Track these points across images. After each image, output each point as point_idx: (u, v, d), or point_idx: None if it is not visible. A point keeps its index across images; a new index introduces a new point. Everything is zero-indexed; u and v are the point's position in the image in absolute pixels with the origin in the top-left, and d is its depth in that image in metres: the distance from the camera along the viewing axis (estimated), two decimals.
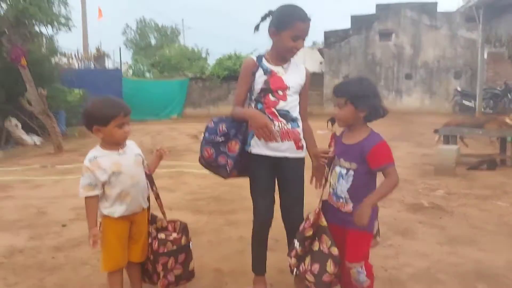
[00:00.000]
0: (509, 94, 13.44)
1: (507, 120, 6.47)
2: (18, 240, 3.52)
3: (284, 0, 2.37)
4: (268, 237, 2.52)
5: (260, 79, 2.32)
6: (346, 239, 2.05)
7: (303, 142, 2.40)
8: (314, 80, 19.49)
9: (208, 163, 2.40)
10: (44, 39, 11.00)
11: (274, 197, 2.43)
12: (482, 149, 7.76)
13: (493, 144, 8.10)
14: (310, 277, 2.07)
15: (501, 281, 2.65)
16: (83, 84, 13.31)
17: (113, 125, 2.08)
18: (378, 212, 2.12)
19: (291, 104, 2.33)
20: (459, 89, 15.41)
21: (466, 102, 14.57)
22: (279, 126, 2.29)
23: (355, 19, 17.92)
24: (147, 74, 22.06)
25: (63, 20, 9.55)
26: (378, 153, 1.96)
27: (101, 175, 2.07)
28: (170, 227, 2.36)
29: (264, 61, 2.36)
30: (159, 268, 2.21)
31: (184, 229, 2.34)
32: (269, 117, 2.27)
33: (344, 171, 2.05)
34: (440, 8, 17.37)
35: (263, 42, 2.45)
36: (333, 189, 2.12)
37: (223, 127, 2.33)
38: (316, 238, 2.10)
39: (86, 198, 2.09)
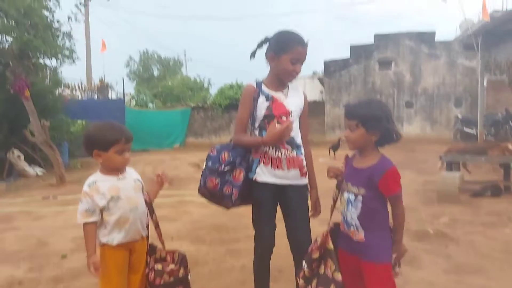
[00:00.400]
0: (510, 121, 13.48)
1: (510, 147, 6.45)
2: (18, 272, 3.47)
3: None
4: (271, 267, 2.48)
5: (262, 105, 2.32)
6: (364, 273, 1.98)
7: (306, 169, 2.40)
8: (315, 108, 19.67)
9: (211, 194, 2.35)
10: (48, 71, 11.17)
11: (275, 223, 2.41)
12: (485, 175, 7.71)
13: (496, 170, 8.06)
14: None
15: None
16: (86, 115, 13.43)
17: (113, 151, 2.06)
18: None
19: (295, 130, 2.33)
20: (460, 116, 15.45)
21: (467, 129, 14.59)
22: (285, 153, 2.29)
23: (354, 49, 18.19)
24: (150, 105, 22.26)
25: (67, 53, 9.72)
26: (390, 180, 1.91)
27: (100, 200, 2.03)
28: (169, 258, 2.29)
29: (264, 87, 2.37)
30: None
31: (182, 260, 2.27)
32: (274, 145, 2.27)
33: (352, 197, 2.00)
34: (438, 37, 17.66)
35: (263, 71, 2.47)
36: (343, 216, 2.06)
37: (226, 155, 2.31)
38: (322, 261, 2.06)
39: (84, 224, 2.04)
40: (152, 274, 2.16)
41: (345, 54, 18.40)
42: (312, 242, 2.14)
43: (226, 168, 2.29)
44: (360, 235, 1.98)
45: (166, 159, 12.92)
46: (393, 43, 17.71)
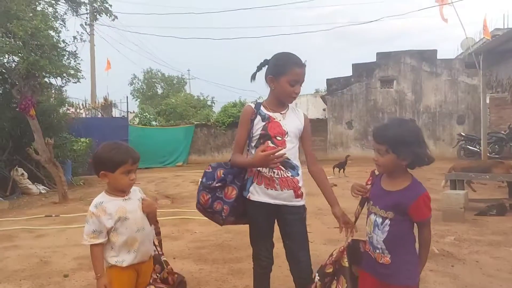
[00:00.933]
0: None
1: None
2: None
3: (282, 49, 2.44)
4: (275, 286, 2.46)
5: (258, 125, 2.34)
6: None
7: (303, 190, 2.37)
8: (318, 126, 19.67)
9: (204, 209, 2.39)
10: (53, 90, 11.26)
11: (273, 241, 2.42)
12: (490, 193, 7.66)
13: (501, 188, 8.00)
14: None
15: None
16: (90, 133, 13.48)
17: (120, 171, 2.07)
18: None
19: (291, 151, 2.32)
20: (463, 134, 15.45)
21: (470, 147, 14.56)
22: (278, 173, 2.28)
23: (356, 67, 18.32)
24: (153, 123, 22.35)
25: (72, 72, 9.80)
26: (423, 205, 1.87)
27: (107, 221, 2.03)
28: (170, 279, 2.28)
29: (263, 108, 2.39)
30: None
31: (180, 283, 2.26)
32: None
33: (379, 220, 1.94)
34: (439, 55, 17.77)
35: (266, 91, 2.49)
36: (369, 238, 2.00)
37: (220, 172, 2.34)
38: (335, 277, 2.03)
39: (91, 246, 2.03)
40: None
41: (347, 72, 18.54)
42: (328, 256, 2.13)
43: (218, 185, 2.32)
44: (386, 258, 1.93)
45: (168, 177, 12.93)
46: (394, 62, 17.83)
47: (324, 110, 21.76)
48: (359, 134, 18.07)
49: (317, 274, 2.12)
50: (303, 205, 2.38)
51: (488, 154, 13.05)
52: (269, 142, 2.31)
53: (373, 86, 18.09)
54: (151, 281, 2.21)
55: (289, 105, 2.43)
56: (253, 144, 2.37)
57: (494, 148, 13.98)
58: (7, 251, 4.78)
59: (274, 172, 2.28)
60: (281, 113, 2.38)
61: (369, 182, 2.10)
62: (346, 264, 2.01)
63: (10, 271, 4.01)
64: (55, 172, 8.90)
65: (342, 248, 2.06)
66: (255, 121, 2.36)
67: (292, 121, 2.38)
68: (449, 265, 3.85)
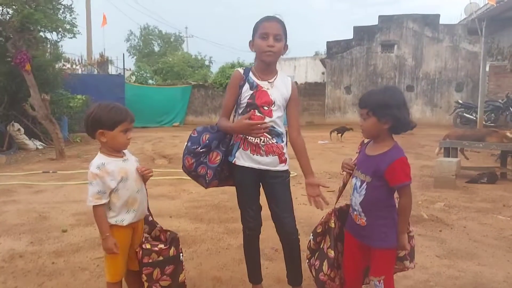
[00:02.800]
0: (510, 107, 13.47)
1: (508, 134, 6.49)
2: (19, 245, 3.53)
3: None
4: (268, 246, 2.54)
5: (246, 93, 2.35)
6: (371, 256, 2.05)
7: (287, 156, 2.42)
8: (315, 90, 19.58)
9: (189, 172, 2.42)
10: (48, 45, 11.08)
11: (259, 204, 2.49)
12: (483, 162, 7.77)
13: (493, 157, 8.11)
14: (313, 271, 2.23)
15: None
16: (86, 90, 13.38)
17: (119, 130, 2.09)
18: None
19: (277, 120, 2.36)
20: (460, 101, 15.44)
21: (467, 115, 14.60)
22: (264, 140, 2.33)
23: (357, 30, 18.04)
24: (150, 81, 22.15)
25: (67, 26, 9.61)
26: (397, 170, 1.90)
27: (111, 182, 2.05)
28: (162, 237, 2.34)
29: (251, 75, 2.38)
30: (143, 278, 2.18)
31: (173, 240, 2.29)
32: None
33: (358, 183, 2.04)
34: (442, 20, 17.49)
35: None
36: (350, 200, 2.13)
37: (206, 137, 2.36)
38: (324, 237, 2.21)
39: (95, 207, 2.05)
40: (140, 253, 2.19)
41: (349, 35, 18.25)
42: (320, 218, 2.27)
43: (202, 150, 2.35)
44: (362, 220, 2.03)
45: (165, 137, 12.96)
46: (396, 25, 17.56)
47: (323, 73, 21.57)
48: (357, 99, 17.90)
49: (311, 234, 2.28)
50: (287, 170, 2.45)
51: (484, 123, 13.12)
52: (256, 111, 2.32)
53: (374, 50, 17.87)
54: (143, 239, 2.27)
55: (278, 72, 2.43)
56: (240, 111, 2.39)
57: (490, 116, 14.03)
58: (6, 205, 4.86)
59: (260, 139, 2.32)
60: (269, 82, 2.37)
61: (358, 151, 2.18)
62: (333, 225, 2.14)
63: (10, 225, 4.09)
64: (52, 128, 8.90)
65: (331, 210, 2.19)
66: (244, 89, 2.36)
67: (279, 90, 2.38)
68: (437, 230, 3.96)
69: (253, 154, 2.33)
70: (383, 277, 2.01)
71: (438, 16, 17.48)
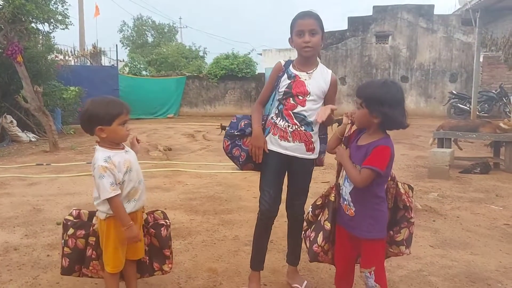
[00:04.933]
0: (504, 98, 13.53)
1: (501, 124, 6.52)
2: (13, 238, 3.53)
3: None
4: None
5: (284, 82, 2.45)
6: (361, 248, 2.08)
7: (316, 144, 2.48)
8: None
9: (226, 153, 2.59)
10: (40, 36, 10.96)
11: (281, 194, 2.53)
12: (476, 152, 7.82)
13: (487, 147, 8.16)
14: (307, 242, 2.26)
15: (492, 284, 2.69)
16: (79, 81, 13.28)
17: (117, 123, 2.10)
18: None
19: (310, 110, 2.40)
20: (454, 92, 15.48)
21: (461, 105, 14.65)
22: (292, 127, 2.40)
23: (352, 21, 17.97)
24: (144, 72, 21.99)
25: (60, 17, 9.50)
26: (375, 153, 1.90)
27: (117, 174, 2.07)
28: (150, 218, 2.41)
29: (291, 67, 2.48)
30: (168, 252, 2.36)
31: (165, 216, 2.44)
32: (285, 118, 2.40)
33: None
34: (436, 11, 17.46)
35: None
36: (341, 190, 2.14)
37: (243, 123, 2.53)
38: (322, 210, 2.22)
39: (112, 198, 2.04)
40: (165, 230, 2.33)
41: (343, 25, 18.19)
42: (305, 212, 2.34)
43: (237, 134, 2.52)
44: (351, 210, 2.05)
45: (159, 129, 12.93)
46: (391, 16, 17.51)
47: None
48: (351, 90, 17.99)
49: (310, 207, 2.31)
50: (312, 159, 2.51)
51: (477, 113, 13.18)
52: (291, 99, 2.41)
53: (369, 41, 17.83)
54: (147, 225, 2.35)
55: (319, 65, 2.49)
56: (278, 97, 2.49)
57: (484, 107, 14.08)
58: None
59: (288, 126, 2.41)
60: (307, 73, 2.44)
61: (351, 132, 2.15)
62: (333, 199, 2.16)
63: (3, 218, 4.08)
64: (45, 120, 8.83)
65: (333, 185, 2.21)
66: (282, 78, 2.46)
67: (317, 81, 2.43)
68: (430, 220, 4.00)
69: (281, 140, 2.43)
70: (374, 268, 2.03)
71: (432, 6, 17.44)
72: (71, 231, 2.27)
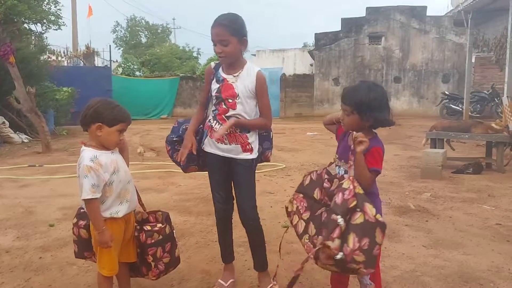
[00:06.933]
0: (496, 98, 13.64)
1: (493, 125, 6.57)
2: (5, 240, 3.50)
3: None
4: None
5: (214, 86, 2.49)
6: None
7: (253, 145, 2.50)
8: (304, 82, 19.57)
9: (170, 158, 2.65)
10: (33, 37, 10.89)
11: (230, 191, 2.59)
12: (468, 152, 7.87)
13: (479, 147, 8.22)
14: (359, 256, 1.77)
15: (484, 284, 2.70)
16: (72, 82, 13.19)
17: (117, 128, 2.12)
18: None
19: (242, 111, 2.43)
20: (447, 92, 15.58)
21: (453, 106, 14.74)
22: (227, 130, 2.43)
23: (345, 22, 18.03)
24: (137, 73, 21.93)
25: (52, 18, 9.46)
26: (371, 155, 1.97)
27: (104, 174, 2.07)
28: (151, 218, 2.40)
29: (220, 70, 2.49)
30: (149, 259, 2.26)
31: (166, 218, 2.40)
32: (219, 122, 2.44)
33: (342, 172, 2.08)
34: (429, 12, 17.59)
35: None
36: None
37: (184, 128, 2.56)
38: (357, 209, 1.82)
39: (89, 200, 2.03)
40: (143, 235, 2.25)
41: (337, 26, 18.25)
42: (338, 191, 1.88)
43: (175, 139, 2.58)
44: None
45: (153, 129, 12.88)
46: (384, 17, 17.60)
47: (311, 65, 21.57)
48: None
49: (338, 216, 1.81)
50: (252, 159, 2.51)
51: (470, 113, 13.27)
52: (222, 103, 2.43)
53: (362, 42, 17.90)
54: (137, 227, 2.32)
55: (246, 65, 2.47)
56: (213, 103, 2.53)
57: (476, 107, 14.18)
58: None
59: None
60: (234, 75, 2.45)
61: (337, 134, 2.24)
62: (361, 190, 1.87)
63: None
64: (38, 122, 8.78)
65: (351, 177, 1.92)
66: (212, 83, 2.50)
67: (243, 82, 2.44)
68: (423, 220, 4.01)
69: (218, 142, 2.46)
70: None
71: (425, 7, 17.56)
72: (74, 220, 2.35)
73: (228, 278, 2.65)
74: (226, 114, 2.42)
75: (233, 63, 2.44)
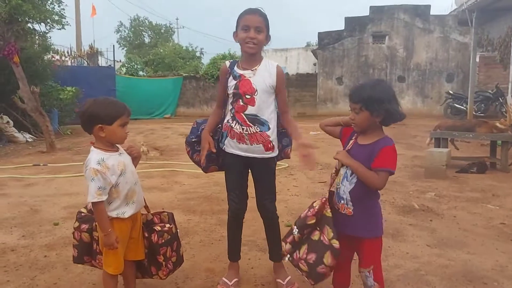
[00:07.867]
0: (500, 98, 13.59)
1: (498, 124, 6.55)
2: (10, 238, 3.51)
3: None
4: (261, 237, 2.57)
5: (231, 83, 2.45)
6: (359, 247, 2.08)
7: (274, 143, 2.49)
8: (307, 81, 19.53)
9: (190, 159, 2.66)
10: (37, 36, 10.93)
11: (246, 191, 2.60)
12: (473, 152, 7.85)
13: (483, 147, 8.19)
14: (303, 266, 2.07)
15: (488, 283, 2.70)
16: (76, 82, 13.25)
17: (117, 124, 2.11)
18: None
19: (260, 107, 2.41)
20: (451, 92, 15.53)
21: (458, 105, 14.69)
22: (247, 130, 2.41)
23: (349, 21, 17.99)
24: (141, 73, 21.97)
25: (56, 18, 9.48)
26: (386, 154, 1.96)
27: (111, 177, 2.07)
28: (156, 219, 2.41)
29: (236, 67, 2.47)
30: (161, 259, 2.30)
31: (172, 218, 2.44)
32: (239, 122, 2.41)
33: (349, 172, 2.05)
34: (433, 11, 17.52)
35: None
36: (337, 190, 2.11)
37: (203, 128, 2.56)
38: (318, 228, 2.07)
39: (95, 203, 2.04)
40: (155, 236, 2.29)
41: (340, 26, 18.22)
42: (308, 208, 2.12)
43: (194, 140, 2.58)
44: (348, 210, 2.04)
45: (157, 129, 12.91)
46: (387, 16, 17.55)
47: (314, 64, 21.54)
48: (349, 90, 17.92)
49: (295, 227, 2.13)
50: (273, 157, 2.52)
51: (474, 113, 13.23)
52: (240, 100, 2.41)
53: (365, 41, 17.86)
54: (143, 227, 2.34)
55: (263, 60, 2.47)
56: (230, 101, 2.49)
57: (480, 106, 14.13)
58: None
59: (243, 129, 2.41)
60: (251, 70, 2.43)
61: (342, 137, 2.23)
62: (330, 214, 2.05)
63: (0, 218, 4.06)
64: (42, 121, 8.81)
65: (324, 198, 2.11)
66: (229, 80, 2.46)
67: (262, 77, 2.42)
68: (428, 219, 4.01)
69: (239, 143, 2.44)
70: (372, 267, 2.05)
71: (429, 6, 17.49)
72: (76, 224, 2.35)
73: (233, 277, 2.65)
74: (245, 112, 2.40)
75: (253, 56, 2.43)
